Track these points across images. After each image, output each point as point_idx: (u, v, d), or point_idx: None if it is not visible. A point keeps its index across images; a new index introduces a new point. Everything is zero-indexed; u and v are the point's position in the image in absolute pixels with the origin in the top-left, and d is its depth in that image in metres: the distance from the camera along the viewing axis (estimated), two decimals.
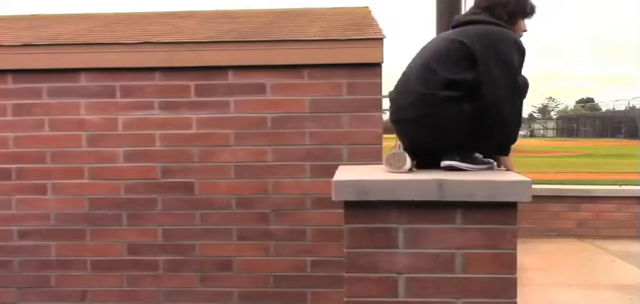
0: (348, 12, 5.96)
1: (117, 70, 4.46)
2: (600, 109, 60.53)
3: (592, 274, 6.17)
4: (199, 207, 4.46)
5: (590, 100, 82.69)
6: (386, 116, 3.78)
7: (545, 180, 10.46)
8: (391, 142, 2.97)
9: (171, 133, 4.45)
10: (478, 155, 2.70)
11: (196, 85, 4.44)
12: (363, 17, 5.52)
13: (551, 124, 68.48)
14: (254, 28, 5.15)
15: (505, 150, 2.72)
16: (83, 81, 4.48)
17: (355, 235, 2.44)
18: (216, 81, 4.42)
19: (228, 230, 4.46)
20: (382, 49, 4.28)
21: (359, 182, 2.41)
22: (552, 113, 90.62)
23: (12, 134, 4.52)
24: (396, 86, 2.80)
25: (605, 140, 39.40)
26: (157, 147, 4.47)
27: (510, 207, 2.38)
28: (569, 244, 7.65)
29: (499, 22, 2.67)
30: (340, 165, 3.58)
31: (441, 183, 2.37)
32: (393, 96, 2.80)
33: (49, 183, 4.51)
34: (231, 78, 4.42)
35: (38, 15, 6.55)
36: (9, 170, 4.53)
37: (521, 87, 2.63)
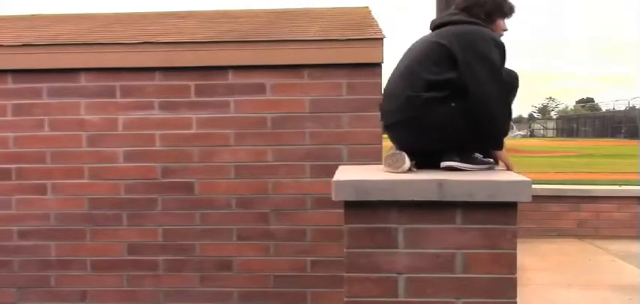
0: (348, 12, 5.96)
1: (117, 70, 4.46)
2: (600, 109, 60.55)
3: (592, 274, 6.16)
4: (199, 207, 4.46)
5: (590, 100, 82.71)
6: None
7: (545, 180, 10.46)
8: (391, 142, 2.97)
9: (171, 133, 4.46)
10: (478, 155, 2.70)
11: (196, 85, 4.44)
12: (363, 17, 5.53)
13: (551, 124, 68.50)
14: (254, 28, 5.15)
15: (498, 145, 2.73)
16: (83, 81, 4.49)
17: (355, 235, 2.44)
18: (216, 81, 4.43)
19: (228, 230, 4.46)
20: (382, 49, 4.29)
21: (359, 182, 2.41)
22: (552, 113, 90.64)
23: (12, 134, 4.52)
24: (384, 91, 2.84)
25: (605, 140, 39.39)
26: (157, 147, 4.47)
27: (510, 207, 2.38)
28: (569, 244, 7.65)
29: (477, 21, 2.69)
30: (340, 165, 3.58)
31: (440, 183, 2.37)
32: (382, 102, 2.83)
33: (49, 183, 4.51)
34: (231, 78, 4.42)
35: (38, 15, 6.55)
36: (9, 170, 4.53)
37: (510, 82, 2.68)
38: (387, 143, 2.92)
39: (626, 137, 40.25)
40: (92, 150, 4.49)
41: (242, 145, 4.43)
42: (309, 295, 4.44)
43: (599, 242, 7.63)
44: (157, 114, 4.46)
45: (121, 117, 4.47)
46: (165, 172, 4.47)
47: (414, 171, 2.64)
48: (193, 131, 4.45)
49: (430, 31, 2.81)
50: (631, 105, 46.56)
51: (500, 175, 2.55)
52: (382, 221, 2.41)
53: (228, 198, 4.44)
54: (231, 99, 4.42)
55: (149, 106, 4.46)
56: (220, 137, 4.44)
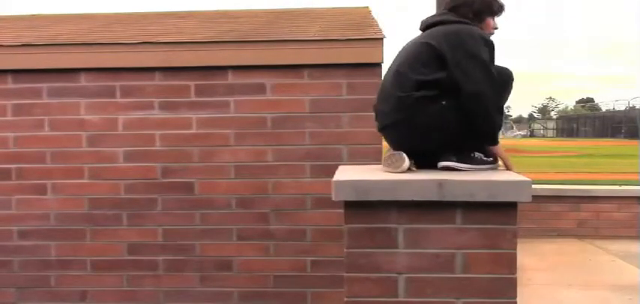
0: (348, 12, 5.96)
1: (117, 70, 4.46)
2: (600, 109, 60.55)
3: (592, 274, 6.16)
4: (199, 207, 4.46)
5: (590, 100, 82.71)
6: None
7: (545, 180, 10.46)
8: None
9: (171, 133, 4.46)
10: (478, 155, 2.69)
11: (196, 85, 4.44)
12: (363, 17, 5.53)
13: (551, 124, 68.51)
14: (254, 28, 5.15)
15: (494, 140, 2.72)
16: (83, 81, 4.49)
17: (355, 235, 2.44)
18: (216, 81, 4.43)
19: (228, 230, 4.46)
20: (382, 49, 4.29)
21: (359, 182, 2.41)
22: (552, 113, 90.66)
23: (12, 134, 4.53)
24: (378, 94, 2.85)
25: (605, 140, 39.38)
26: (157, 147, 4.47)
27: (510, 207, 2.38)
28: (569, 244, 7.65)
29: (465, 20, 2.70)
30: (340, 165, 3.58)
31: (440, 183, 2.37)
32: (375, 105, 2.84)
33: (49, 183, 4.51)
34: (231, 78, 4.42)
35: (38, 15, 6.55)
36: (9, 170, 4.53)
37: (504, 79, 2.69)
38: (386, 143, 2.92)
39: (626, 137, 40.25)
40: (92, 150, 4.49)
41: (242, 145, 4.43)
42: (309, 295, 4.44)
43: (599, 242, 7.63)
44: (157, 114, 4.46)
45: (121, 117, 4.47)
46: (166, 172, 4.47)
47: (413, 171, 2.64)
48: (193, 131, 4.45)
49: (420, 32, 2.82)
50: (631, 105, 46.58)
51: (500, 175, 2.55)
52: (382, 221, 2.41)
53: (228, 198, 4.44)
54: (231, 99, 4.43)
55: (149, 106, 4.46)
56: (220, 137, 4.44)
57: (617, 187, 8.60)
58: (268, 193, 4.43)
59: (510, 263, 2.39)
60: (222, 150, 4.44)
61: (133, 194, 4.48)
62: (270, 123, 4.42)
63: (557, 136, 56.34)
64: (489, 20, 2.78)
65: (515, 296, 2.40)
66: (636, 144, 23.79)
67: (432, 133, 2.61)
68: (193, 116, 4.45)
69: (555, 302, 5.25)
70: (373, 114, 2.88)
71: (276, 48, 4.41)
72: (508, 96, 2.78)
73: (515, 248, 2.40)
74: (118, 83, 4.47)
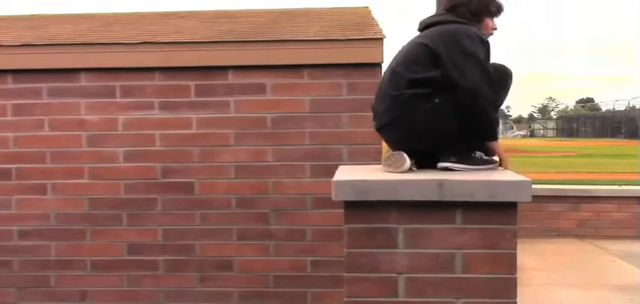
0: (348, 12, 5.96)
1: (117, 70, 4.46)
2: (600, 109, 60.55)
3: (592, 274, 6.16)
4: (199, 207, 4.46)
5: (590, 100, 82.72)
6: None
7: (545, 180, 10.46)
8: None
9: (171, 133, 4.46)
10: (478, 154, 2.68)
11: (196, 85, 4.44)
12: (363, 17, 5.52)
13: (551, 124, 68.52)
14: (254, 28, 5.15)
15: (493, 136, 2.71)
16: (83, 81, 4.49)
17: (355, 235, 2.44)
18: (216, 81, 4.43)
19: (228, 230, 4.46)
20: (382, 49, 4.29)
21: (359, 182, 2.41)
22: (552, 113, 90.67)
23: (12, 134, 4.52)
24: (375, 95, 2.87)
25: (605, 140, 39.39)
26: (157, 147, 4.47)
27: (510, 207, 2.38)
28: (570, 244, 7.65)
29: (462, 20, 2.70)
30: (340, 165, 3.58)
31: (441, 183, 2.37)
32: (373, 105, 2.85)
33: (49, 183, 4.51)
34: (231, 78, 4.42)
35: (38, 15, 6.54)
36: (9, 170, 4.53)
37: (502, 76, 2.70)
38: (385, 143, 2.93)
39: (626, 137, 40.25)
40: (92, 150, 4.49)
41: (242, 145, 4.43)
42: (309, 295, 4.44)
43: (599, 242, 7.63)
44: (157, 114, 4.46)
45: (121, 117, 4.47)
46: (166, 172, 4.47)
47: (414, 171, 2.64)
48: (193, 131, 4.45)
49: (418, 33, 2.82)
50: (631, 105, 46.58)
51: (500, 175, 2.55)
52: (382, 221, 2.41)
53: (228, 198, 4.44)
54: (231, 99, 4.42)
55: (149, 106, 4.46)
56: (220, 137, 4.44)
57: (617, 187, 8.60)
58: (268, 193, 4.43)
59: (510, 263, 2.39)
60: (222, 150, 4.44)
61: (133, 194, 4.48)
62: (270, 123, 4.42)
63: (557, 136, 56.35)
64: (488, 21, 2.78)
65: (515, 296, 2.40)
66: (636, 144, 23.79)
67: (425, 131, 2.61)
68: (193, 116, 4.44)
69: (555, 302, 5.25)
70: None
71: (276, 48, 4.41)
72: (507, 93, 2.78)
73: (515, 248, 2.40)
74: (118, 83, 4.47)
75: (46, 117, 4.50)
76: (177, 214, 4.47)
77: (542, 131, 65.11)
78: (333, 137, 4.37)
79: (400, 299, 2.42)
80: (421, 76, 2.60)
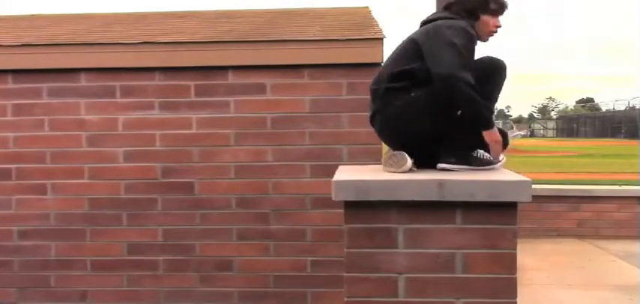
0: (348, 12, 5.96)
1: (117, 70, 4.46)
2: (600, 109, 60.52)
3: (592, 274, 6.16)
4: (199, 207, 4.46)
5: (590, 100, 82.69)
6: None
7: (545, 180, 10.46)
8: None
9: (171, 133, 4.46)
10: (481, 154, 2.66)
11: (196, 85, 4.44)
12: (363, 17, 5.52)
13: (551, 124, 68.51)
14: (254, 28, 5.15)
15: (485, 123, 2.56)
16: (83, 81, 4.49)
17: (355, 235, 2.44)
18: (216, 81, 4.43)
19: (228, 230, 4.46)
20: (382, 49, 4.29)
21: (359, 182, 2.41)
22: (552, 113, 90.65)
23: (12, 134, 4.52)
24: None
25: (605, 140, 39.38)
26: (157, 147, 4.47)
27: (510, 207, 2.38)
28: (570, 244, 7.65)
29: (456, 17, 2.68)
30: (340, 165, 3.58)
31: (441, 183, 2.37)
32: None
33: (49, 183, 4.51)
34: (231, 78, 4.42)
35: (38, 15, 6.55)
36: (9, 170, 4.53)
37: (485, 66, 2.61)
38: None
39: (626, 137, 40.23)
40: (92, 150, 4.49)
41: (242, 145, 4.43)
42: (309, 295, 4.44)
43: (599, 242, 7.63)
44: (157, 114, 4.46)
45: (121, 117, 4.47)
46: (166, 172, 4.47)
47: (414, 170, 2.65)
48: (193, 131, 4.45)
49: None
50: (631, 105, 46.54)
51: (500, 175, 2.54)
52: (382, 221, 2.41)
53: (228, 198, 4.44)
54: (231, 99, 4.42)
55: (149, 106, 4.46)
56: (220, 137, 4.44)
57: (617, 187, 8.60)
58: (268, 193, 4.43)
59: (510, 263, 2.39)
60: (222, 150, 4.44)
61: (133, 194, 4.48)
62: (270, 123, 4.42)
63: (557, 136, 56.33)
64: (486, 18, 2.73)
65: (515, 296, 2.40)
66: (636, 144, 23.78)
67: (403, 125, 2.63)
68: (193, 116, 4.44)
69: (555, 302, 5.25)
70: None
71: (276, 48, 4.41)
72: (497, 86, 2.67)
73: (515, 248, 2.40)
74: (118, 83, 4.47)
75: (46, 117, 4.50)
76: (177, 214, 4.47)
77: (542, 131, 65.09)
78: (333, 137, 4.37)
79: (400, 299, 2.42)
80: (399, 69, 2.62)
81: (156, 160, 4.47)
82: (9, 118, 4.53)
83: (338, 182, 2.42)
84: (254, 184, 4.43)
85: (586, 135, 48.22)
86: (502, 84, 2.69)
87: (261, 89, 4.41)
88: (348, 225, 2.44)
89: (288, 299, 4.44)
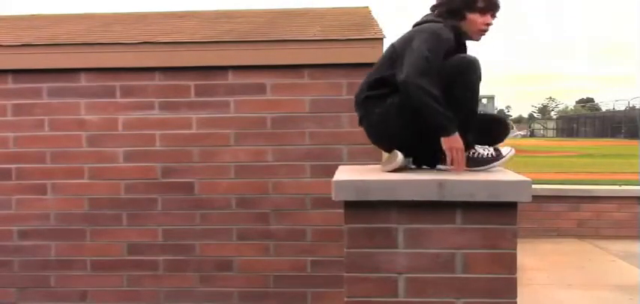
0: (348, 12, 5.96)
1: (117, 70, 4.46)
2: (600, 109, 60.51)
3: (592, 274, 6.16)
4: (199, 207, 4.46)
5: (590, 100, 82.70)
6: None
7: (545, 180, 10.46)
8: None
9: (171, 133, 4.46)
10: (479, 154, 2.65)
11: (196, 85, 4.44)
12: (363, 17, 5.52)
13: (551, 124, 68.54)
14: (254, 28, 5.15)
15: (439, 129, 2.50)
16: (83, 81, 4.49)
17: (355, 235, 2.44)
18: (216, 81, 4.43)
19: (228, 230, 4.46)
20: (382, 49, 4.28)
21: (359, 182, 2.41)
22: (552, 113, 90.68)
23: (12, 134, 4.52)
24: None
25: (605, 140, 39.37)
26: (157, 147, 4.47)
27: (510, 207, 2.38)
28: (570, 244, 7.65)
29: (438, 19, 2.66)
30: (340, 165, 3.58)
31: (441, 183, 2.37)
32: None
33: (49, 183, 4.51)
34: (231, 78, 4.42)
35: (38, 15, 6.55)
36: (9, 170, 4.53)
37: (455, 67, 2.52)
38: None
39: (626, 137, 40.23)
40: (92, 150, 4.49)
41: (242, 145, 4.43)
42: (309, 295, 4.44)
43: (599, 243, 7.63)
44: (156, 114, 4.46)
45: (121, 117, 4.47)
46: (166, 172, 4.47)
47: (412, 169, 2.65)
48: (193, 131, 4.45)
49: None
50: (631, 105, 46.53)
51: (500, 175, 2.54)
52: (382, 221, 2.41)
53: (228, 198, 4.44)
54: (231, 99, 4.42)
55: (149, 106, 4.46)
56: (220, 137, 4.44)
57: (617, 187, 8.61)
58: (268, 193, 4.43)
59: (510, 263, 2.39)
60: (222, 150, 4.44)
61: (133, 194, 4.48)
62: (270, 123, 4.42)
63: (557, 136, 56.35)
64: (474, 16, 2.65)
65: (515, 296, 2.40)
66: (636, 144, 23.78)
67: (384, 131, 2.64)
68: (193, 116, 4.44)
69: (555, 302, 5.25)
70: None
71: (276, 48, 4.41)
72: (471, 86, 2.54)
73: (515, 248, 2.40)
74: (118, 83, 4.47)
75: (46, 117, 4.50)
76: (177, 214, 4.47)
77: (542, 131, 65.12)
78: (333, 137, 4.37)
79: (400, 299, 2.42)
80: (376, 77, 2.66)
81: (156, 160, 4.47)
82: (9, 118, 4.52)
83: (338, 182, 2.42)
84: (254, 184, 4.43)
85: (586, 135, 48.22)
86: (474, 85, 2.55)
87: (261, 89, 4.41)
88: (348, 225, 2.44)
89: (288, 299, 4.44)
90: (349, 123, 4.35)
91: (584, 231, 8.00)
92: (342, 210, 2.46)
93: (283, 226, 4.43)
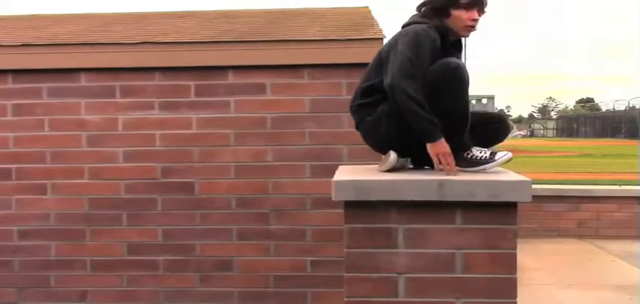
0: (348, 12, 5.96)
1: (117, 70, 4.46)
2: (600, 109, 60.50)
3: (592, 274, 6.16)
4: (199, 207, 4.46)
5: (590, 100, 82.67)
6: None
7: (545, 180, 10.46)
8: None
9: (171, 133, 4.46)
10: (475, 155, 2.63)
11: (196, 85, 4.44)
12: (363, 17, 5.52)
13: (551, 124, 68.53)
14: (254, 28, 5.15)
15: (423, 135, 2.49)
16: (83, 81, 4.49)
17: (355, 235, 2.44)
18: (216, 81, 4.43)
19: (228, 230, 4.46)
20: None
21: (359, 182, 2.41)
22: (552, 113, 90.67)
23: (12, 134, 4.52)
24: None
25: (605, 140, 39.38)
26: (157, 147, 4.47)
27: (510, 207, 2.38)
28: (570, 244, 7.65)
29: (423, 20, 2.64)
30: (340, 165, 3.58)
31: (441, 183, 2.37)
32: None
33: (49, 183, 4.51)
34: (231, 78, 4.42)
35: (38, 15, 6.55)
36: (9, 170, 4.53)
37: (439, 73, 2.48)
38: None
39: (626, 137, 40.22)
40: (92, 150, 4.49)
41: (242, 145, 4.43)
42: (309, 295, 4.44)
43: (599, 242, 7.63)
44: (156, 114, 4.46)
45: (121, 117, 4.47)
46: (166, 172, 4.47)
47: (411, 168, 2.66)
48: (193, 131, 4.45)
49: None
50: (631, 105, 46.51)
51: (500, 175, 2.54)
52: (382, 221, 2.41)
53: (228, 198, 4.44)
54: (231, 99, 4.42)
55: (149, 106, 4.46)
56: (220, 137, 4.44)
57: (617, 187, 8.61)
58: (268, 193, 4.43)
59: (510, 263, 2.39)
60: (222, 150, 4.44)
61: (133, 194, 4.48)
62: (270, 123, 4.42)
63: (557, 136, 56.34)
64: (458, 13, 2.61)
65: (515, 296, 2.40)
66: (636, 144, 23.77)
67: (378, 137, 2.66)
68: (193, 116, 4.44)
69: (555, 302, 5.25)
70: None
71: (276, 48, 4.41)
72: (457, 92, 2.50)
73: (515, 248, 2.40)
74: (118, 83, 4.47)
75: (46, 117, 4.50)
76: (177, 214, 4.47)
77: (542, 131, 65.10)
78: (333, 137, 4.37)
79: (400, 299, 2.42)
80: (367, 84, 2.67)
81: (156, 160, 4.47)
82: (9, 118, 4.52)
83: (338, 182, 2.42)
84: (254, 184, 4.43)
85: (586, 135, 48.22)
86: (460, 90, 2.51)
87: (261, 89, 4.41)
88: (348, 224, 2.44)
89: (288, 299, 4.44)
90: (349, 123, 4.32)
91: (584, 231, 8.00)
92: (342, 210, 2.46)
93: (283, 226, 4.43)
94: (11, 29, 5.36)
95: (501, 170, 2.67)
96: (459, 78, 2.49)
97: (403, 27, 2.70)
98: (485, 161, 2.60)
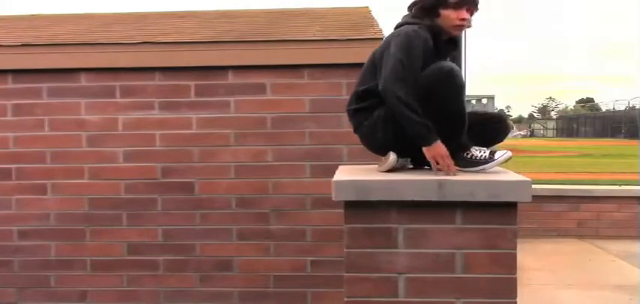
0: (348, 12, 5.96)
1: (117, 70, 4.46)
2: (600, 109, 60.49)
3: (592, 274, 6.16)
4: (199, 207, 4.46)
5: (590, 100, 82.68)
6: None
7: (545, 180, 10.46)
8: None
9: (171, 133, 4.46)
10: (474, 155, 2.62)
11: (196, 85, 4.44)
12: (363, 17, 5.53)
13: (551, 124, 68.53)
14: (254, 28, 5.15)
15: (418, 139, 2.48)
16: (83, 81, 4.49)
17: (355, 235, 2.44)
18: (216, 81, 4.43)
19: (228, 230, 4.46)
20: None
21: (359, 182, 2.41)
22: (552, 113, 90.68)
23: (12, 134, 4.52)
24: None
25: (605, 140, 39.38)
26: (157, 147, 4.47)
27: (510, 207, 2.38)
28: (570, 244, 7.65)
29: (414, 20, 2.64)
30: (340, 165, 3.58)
31: (441, 183, 2.37)
32: None
33: (49, 183, 4.51)
34: (231, 78, 4.42)
35: (38, 15, 6.55)
36: (9, 170, 4.53)
37: (432, 76, 2.48)
38: None
39: (626, 137, 40.22)
40: (92, 150, 4.49)
41: (242, 145, 4.43)
42: (309, 295, 4.44)
43: (599, 242, 7.63)
44: (156, 114, 4.46)
45: (121, 117, 4.47)
46: (166, 172, 4.47)
47: (410, 168, 2.65)
48: (193, 131, 4.45)
49: None
50: (631, 105, 46.51)
51: (500, 175, 2.54)
52: (382, 221, 2.41)
53: (228, 198, 4.44)
54: (231, 99, 4.42)
55: (149, 106, 4.46)
56: (220, 137, 4.44)
57: (617, 187, 8.61)
58: (268, 193, 4.43)
59: (510, 263, 2.39)
60: (222, 150, 4.44)
61: (133, 194, 4.48)
62: (270, 123, 4.42)
63: (557, 136, 56.33)
64: (447, 12, 2.59)
65: (515, 296, 2.40)
66: (636, 144, 23.77)
67: (375, 141, 2.67)
68: (193, 116, 4.44)
69: (555, 302, 5.25)
70: None
71: (276, 48, 4.41)
72: (450, 96, 2.49)
73: (515, 248, 2.40)
74: (118, 83, 4.47)
75: (46, 117, 4.50)
76: (177, 214, 4.47)
77: (542, 131, 65.10)
78: (333, 137, 4.37)
79: (400, 299, 2.42)
80: (363, 88, 2.67)
81: (156, 160, 4.47)
82: (9, 118, 4.52)
83: (338, 182, 2.42)
84: (254, 184, 4.43)
85: (586, 135, 48.22)
86: (455, 93, 2.49)
87: (261, 89, 4.41)
88: (348, 225, 2.44)
89: (288, 299, 4.44)
90: (349, 123, 4.32)
91: (584, 231, 8.00)
92: (342, 210, 2.46)
93: (283, 226, 4.43)
94: (11, 29, 5.36)
95: (501, 170, 2.67)
96: (453, 82, 2.48)
97: (396, 28, 2.70)
98: (485, 161, 2.60)
